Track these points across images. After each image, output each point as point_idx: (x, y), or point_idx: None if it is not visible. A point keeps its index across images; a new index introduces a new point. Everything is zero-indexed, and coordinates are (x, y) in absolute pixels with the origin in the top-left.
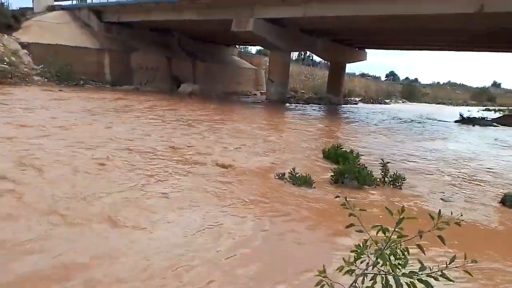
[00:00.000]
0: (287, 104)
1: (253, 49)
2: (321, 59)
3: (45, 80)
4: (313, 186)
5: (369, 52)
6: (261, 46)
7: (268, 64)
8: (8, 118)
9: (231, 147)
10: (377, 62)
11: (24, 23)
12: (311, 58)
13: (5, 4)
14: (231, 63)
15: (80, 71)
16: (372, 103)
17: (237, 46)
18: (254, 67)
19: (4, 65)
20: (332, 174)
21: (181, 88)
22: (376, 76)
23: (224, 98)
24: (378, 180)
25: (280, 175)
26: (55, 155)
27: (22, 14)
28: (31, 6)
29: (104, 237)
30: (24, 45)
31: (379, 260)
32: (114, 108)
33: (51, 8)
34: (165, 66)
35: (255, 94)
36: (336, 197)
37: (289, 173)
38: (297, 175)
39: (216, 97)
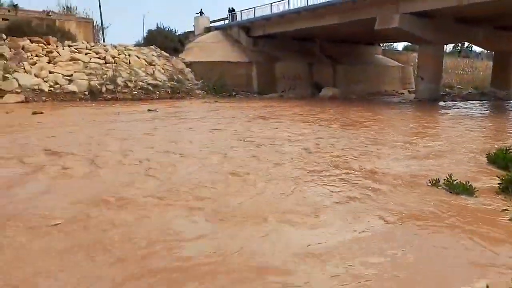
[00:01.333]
0: (441, 103)
1: (400, 46)
2: (482, 49)
3: (204, 93)
4: (474, 195)
5: None
6: (408, 41)
7: (417, 60)
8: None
9: (378, 150)
10: None
11: (187, 45)
12: (469, 48)
13: (173, 30)
14: (374, 63)
15: (232, 83)
16: None
17: (380, 44)
18: (401, 65)
19: (174, 82)
20: (500, 182)
21: (322, 92)
22: None
23: (367, 100)
24: None
25: (434, 181)
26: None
27: (185, 37)
28: (193, 29)
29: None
30: (187, 64)
31: None
32: (272, 113)
33: (208, 30)
34: (306, 73)
35: (402, 93)
36: (503, 210)
37: (444, 179)
38: (455, 182)
39: (359, 99)
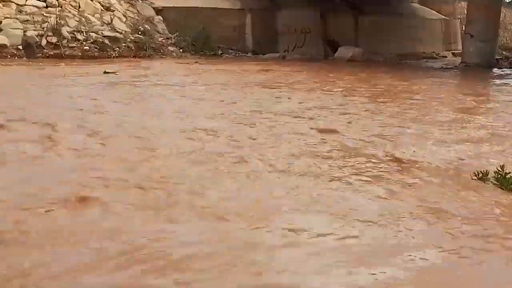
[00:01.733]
0: (496, 70)
1: None
2: None
3: (180, 50)
4: None
5: None
6: None
7: (465, 11)
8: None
9: (411, 134)
10: None
11: None
12: None
13: None
14: (409, 14)
15: (217, 38)
16: None
17: None
18: (444, 17)
19: (139, 35)
20: None
21: (338, 53)
22: None
23: (399, 64)
24: None
25: (481, 174)
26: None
27: None
28: None
29: None
30: (158, 10)
31: None
32: (271, 80)
33: None
34: (318, 26)
35: (445, 56)
36: None
37: (495, 172)
38: (508, 176)
39: (388, 63)
